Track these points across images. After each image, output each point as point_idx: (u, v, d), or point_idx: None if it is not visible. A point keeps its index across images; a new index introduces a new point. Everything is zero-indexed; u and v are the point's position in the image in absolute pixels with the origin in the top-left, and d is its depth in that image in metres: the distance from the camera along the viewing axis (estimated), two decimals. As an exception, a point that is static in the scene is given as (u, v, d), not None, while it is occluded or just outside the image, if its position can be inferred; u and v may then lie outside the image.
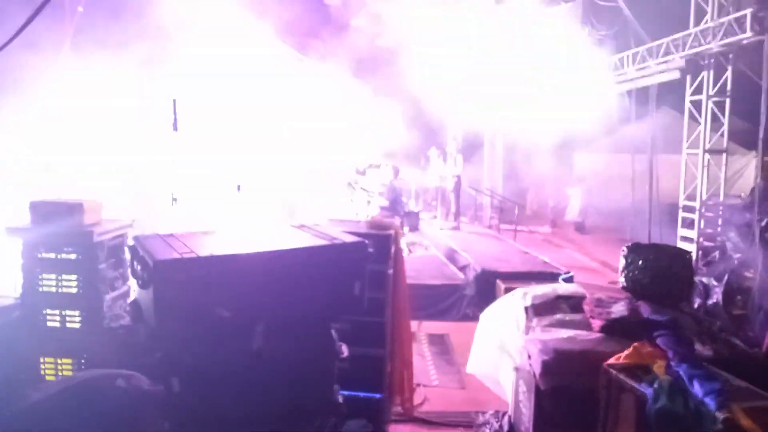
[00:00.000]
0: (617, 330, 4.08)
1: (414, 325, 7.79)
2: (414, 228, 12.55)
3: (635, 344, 3.77)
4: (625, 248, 4.62)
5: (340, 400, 2.73)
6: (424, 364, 6.75)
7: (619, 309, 4.22)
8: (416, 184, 15.11)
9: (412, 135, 15.60)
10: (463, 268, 9.45)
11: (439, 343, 7.49)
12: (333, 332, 2.73)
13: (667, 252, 4.73)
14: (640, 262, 4.50)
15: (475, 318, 8.14)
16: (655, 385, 3.38)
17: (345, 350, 2.83)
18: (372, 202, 11.06)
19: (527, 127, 14.87)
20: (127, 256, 2.80)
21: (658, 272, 4.44)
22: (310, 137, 13.10)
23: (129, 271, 2.53)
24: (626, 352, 3.74)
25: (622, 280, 4.60)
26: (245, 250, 2.41)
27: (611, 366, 3.71)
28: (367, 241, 2.72)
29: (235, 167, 10.15)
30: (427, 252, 11.47)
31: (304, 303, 2.51)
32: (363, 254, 2.67)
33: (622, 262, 4.59)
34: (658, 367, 3.62)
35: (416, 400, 5.74)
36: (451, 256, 10.41)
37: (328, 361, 2.69)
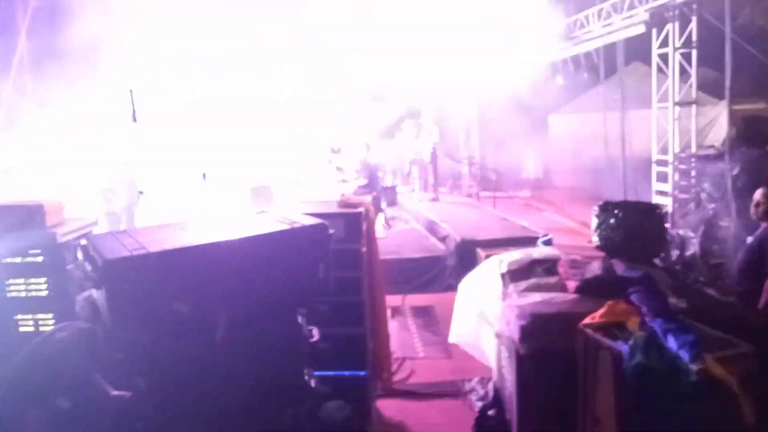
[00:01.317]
0: (592, 290, 4.08)
1: (399, 299, 7.84)
2: (392, 203, 12.51)
3: (609, 302, 3.77)
4: (596, 207, 4.61)
5: (313, 384, 2.71)
6: (409, 337, 6.79)
7: (593, 269, 4.23)
8: (392, 158, 15.05)
9: (384, 108, 15.48)
10: (443, 239, 9.46)
11: (424, 315, 7.53)
12: (300, 317, 2.70)
13: (637, 208, 4.73)
14: (612, 221, 4.49)
15: (457, 288, 8.22)
16: (631, 342, 3.39)
17: (315, 333, 2.80)
18: (348, 180, 10.97)
19: (500, 92, 14.83)
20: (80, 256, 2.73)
21: (630, 229, 4.44)
22: (281, 119, 12.95)
23: (81, 272, 2.46)
24: (601, 310, 3.74)
25: (595, 239, 4.60)
26: (200, 242, 2.35)
27: (587, 326, 3.72)
28: (327, 222, 2.67)
29: (201, 156, 10.03)
30: (407, 226, 11.47)
31: (267, 290, 2.46)
32: (324, 235, 2.62)
33: (594, 222, 4.58)
34: (633, 323, 3.63)
35: (402, 373, 5.78)
36: (432, 228, 10.42)
37: (296, 346, 2.66)
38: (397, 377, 5.57)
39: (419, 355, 6.31)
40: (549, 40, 11.12)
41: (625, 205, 4.69)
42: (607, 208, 4.55)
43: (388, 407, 5.14)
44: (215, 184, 10.69)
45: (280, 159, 12.95)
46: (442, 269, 8.65)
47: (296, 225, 2.57)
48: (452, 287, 8.51)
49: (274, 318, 2.50)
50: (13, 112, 10.54)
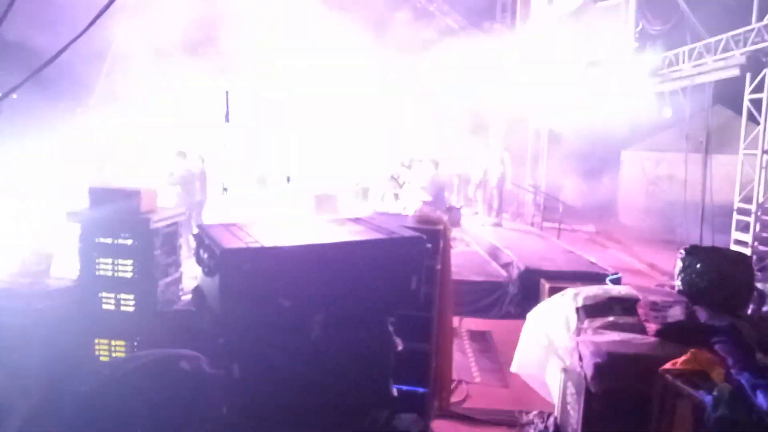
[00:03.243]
0: (673, 334, 3.96)
1: (455, 320, 7.77)
2: (455, 223, 12.44)
3: (693, 350, 3.65)
4: (682, 251, 4.47)
5: (395, 393, 2.73)
6: (465, 360, 6.70)
7: (675, 313, 4.09)
8: (458, 179, 14.99)
9: (456, 130, 15.50)
10: (505, 266, 9.33)
11: (481, 340, 7.43)
12: (389, 326, 2.73)
13: (726, 256, 4.55)
14: (698, 265, 4.35)
15: (517, 316, 8.07)
16: (715, 393, 3.27)
17: (400, 344, 2.82)
18: (415, 196, 11.02)
19: (573, 122, 14.61)
20: (191, 243, 2.85)
21: (717, 276, 4.28)
22: (356, 132, 13.18)
23: (194, 258, 2.58)
24: (683, 357, 3.62)
25: (678, 283, 4.45)
26: (308, 241, 2.42)
27: (667, 371, 3.60)
28: (425, 236, 2.70)
29: (282, 159, 10.31)
30: (469, 248, 11.38)
31: (362, 296, 2.51)
32: (421, 249, 2.66)
33: (679, 265, 4.44)
34: (717, 374, 3.50)
35: (458, 396, 5.72)
36: (494, 253, 10.29)
37: (384, 354, 2.69)
38: (453, 399, 5.51)
39: (475, 379, 6.22)
40: (635, 77, 10.91)
41: (713, 251, 4.53)
42: (694, 252, 4.41)
43: (442, 428, 5.09)
44: (282, 189, 10.99)
45: (349, 170, 13.18)
46: (503, 295, 8.53)
47: (395, 235, 2.62)
48: (511, 315, 8.41)
49: (366, 323, 2.55)
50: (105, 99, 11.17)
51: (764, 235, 8.84)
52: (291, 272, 2.33)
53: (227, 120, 6.19)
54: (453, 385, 5.78)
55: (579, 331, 4.22)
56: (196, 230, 2.53)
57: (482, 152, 14.28)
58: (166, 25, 10.25)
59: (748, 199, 9.00)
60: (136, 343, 4.66)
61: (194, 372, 2.62)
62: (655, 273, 10.63)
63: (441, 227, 4.44)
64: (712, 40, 9.28)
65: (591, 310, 4.33)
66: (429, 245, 2.70)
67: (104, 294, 4.73)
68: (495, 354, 6.92)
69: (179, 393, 2.59)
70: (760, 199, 8.78)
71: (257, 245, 2.27)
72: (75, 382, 2.68)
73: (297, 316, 2.33)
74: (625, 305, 4.38)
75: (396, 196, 11.81)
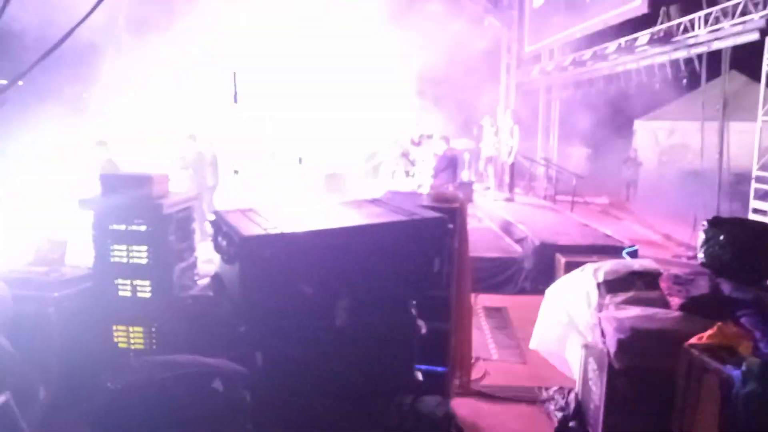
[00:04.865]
0: (697, 308, 3.89)
1: (471, 297, 7.74)
2: (468, 199, 12.35)
3: (719, 324, 3.58)
4: (705, 222, 4.37)
5: (420, 377, 2.69)
6: (482, 337, 6.68)
7: (699, 286, 4.01)
8: (469, 154, 14.86)
9: (465, 104, 15.33)
10: (519, 241, 9.26)
11: (497, 316, 7.40)
12: (413, 309, 2.68)
13: (750, 227, 4.46)
14: (722, 237, 4.25)
15: (533, 292, 8.02)
16: (744, 368, 3.20)
17: (423, 327, 2.78)
18: (426, 173, 10.93)
19: (584, 93, 14.36)
20: (207, 228, 2.80)
21: (741, 248, 4.19)
22: (364, 113, 13.05)
23: (212, 245, 2.53)
24: (709, 331, 3.56)
25: (701, 255, 4.37)
26: (327, 226, 2.36)
27: (693, 346, 3.54)
28: (446, 217, 2.63)
29: (292, 142, 10.21)
30: (481, 224, 11.30)
31: (385, 279, 2.46)
32: (443, 230, 2.59)
33: (701, 237, 4.35)
34: (745, 348, 3.44)
35: (476, 374, 5.70)
36: (507, 229, 10.22)
37: (408, 337, 2.65)
38: (472, 377, 5.49)
39: (493, 357, 6.20)
40: (645, 43, 10.66)
41: (737, 222, 4.43)
42: (717, 223, 4.31)
43: (462, 406, 5.07)
44: (293, 169, 10.91)
45: (359, 149, 13.07)
46: (518, 271, 8.47)
47: (416, 217, 2.56)
48: (526, 290, 8.36)
49: (390, 307, 2.50)
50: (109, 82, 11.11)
51: (783, 202, 8.68)
52: (312, 258, 2.27)
53: (235, 101, 6.10)
54: (472, 363, 5.77)
55: (600, 307, 4.16)
56: (209, 215, 2.47)
57: (492, 126, 14.13)
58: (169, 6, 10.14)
59: (766, 167, 8.82)
60: (153, 329, 4.66)
61: (227, 394, 2.57)
62: (671, 244, 10.52)
63: (457, 205, 4.36)
64: (729, 3, 9.01)
65: (612, 285, 4.27)
66: (451, 226, 2.64)
67: (120, 281, 4.71)
68: (512, 330, 6.89)
69: (208, 413, 2.55)
70: (780, 167, 8.61)
71: (277, 231, 2.21)
72: (105, 376, 2.65)
73: (319, 302, 2.28)
74: (647, 279, 4.30)
75: (407, 173, 11.72)
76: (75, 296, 4.68)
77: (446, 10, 14.75)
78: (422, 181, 10.84)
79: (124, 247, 4.66)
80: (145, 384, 2.57)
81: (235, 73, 6.10)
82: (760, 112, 8.93)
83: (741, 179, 10.22)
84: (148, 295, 4.67)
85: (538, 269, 8.23)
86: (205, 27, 10.96)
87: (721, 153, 9.61)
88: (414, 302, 2.72)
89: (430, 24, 13.94)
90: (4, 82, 3.83)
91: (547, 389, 5.18)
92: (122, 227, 4.64)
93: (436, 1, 14.85)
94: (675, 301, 3.97)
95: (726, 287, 4.05)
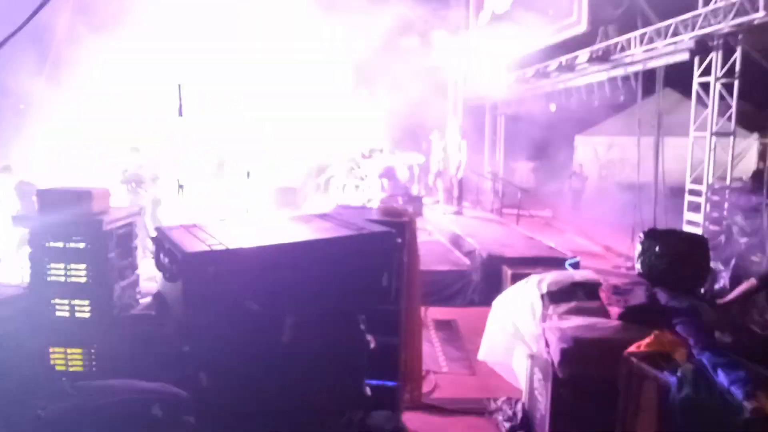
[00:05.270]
0: (636, 317, 4.03)
1: (421, 311, 7.78)
2: (417, 213, 12.48)
3: (656, 332, 3.73)
4: (641, 234, 4.56)
5: (368, 392, 2.69)
6: (432, 350, 6.72)
7: (636, 296, 4.17)
8: (418, 168, 15.01)
9: (413, 118, 15.49)
10: (468, 254, 9.40)
11: (447, 329, 7.47)
12: (361, 324, 2.68)
13: (684, 238, 4.69)
14: (657, 248, 4.44)
15: (481, 303, 8.15)
16: (679, 374, 3.34)
17: (372, 342, 2.78)
18: (373, 186, 10.98)
19: (529, 108, 14.80)
20: (148, 244, 2.72)
21: (676, 258, 4.39)
22: (308, 125, 13.03)
23: (154, 263, 2.46)
24: (647, 339, 3.70)
25: (638, 266, 4.55)
26: (274, 241, 2.34)
27: (632, 354, 3.67)
28: (394, 231, 2.65)
29: (237, 154, 10.07)
30: (431, 237, 11.42)
31: (333, 294, 2.45)
32: (392, 244, 2.61)
33: (638, 248, 4.53)
34: (680, 355, 3.58)
35: (427, 387, 5.73)
36: (456, 242, 10.36)
37: (357, 352, 2.64)
38: (422, 390, 5.51)
39: (443, 369, 6.25)
40: (585, 61, 11.10)
41: (671, 234, 4.65)
42: (652, 235, 4.51)
43: (412, 420, 5.07)
44: (242, 184, 10.73)
45: (307, 163, 13.00)
46: (467, 284, 8.59)
47: (364, 231, 2.56)
48: (475, 302, 8.48)
49: (338, 323, 2.49)
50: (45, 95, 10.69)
51: (714, 215, 9.15)
52: (258, 274, 2.24)
53: (180, 114, 6.00)
54: (422, 376, 5.80)
55: (544, 318, 4.26)
56: (152, 231, 2.40)
57: (440, 140, 14.35)
58: (111, 12, 9.88)
59: (698, 180, 9.30)
60: (93, 351, 4.47)
61: (166, 420, 2.49)
62: (611, 255, 10.90)
63: (407, 219, 4.40)
64: (662, 24, 9.50)
65: (555, 296, 4.38)
66: (399, 240, 2.66)
67: (57, 300, 4.51)
68: (461, 342, 6.97)
69: None
70: (710, 180, 9.08)
71: (221, 247, 2.17)
72: (36, 400, 2.52)
73: (266, 319, 2.25)
74: (588, 290, 4.45)
75: (356, 187, 11.74)
76: (10, 317, 4.44)
77: (397, 24, 14.92)
78: (372, 195, 10.87)
79: (61, 265, 4.47)
80: (78, 411, 2.46)
81: (180, 86, 6.00)
82: (692, 127, 9.43)
83: (675, 192, 10.71)
84: (87, 314, 4.48)
85: (486, 281, 8.37)
86: (147, 33, 10.73)
87: (656, 167, 10.06)
88: (363, 317, 2.72)
89: (380, 37, 14.06)
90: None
91: (495, 400, 5.25)
92: (60, 244, 4.45)
93: (386, 14, 14.99)
94: (614, 310, 4.11)
95: (662, 296, 4.22)
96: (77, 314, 4.49)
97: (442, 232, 11.43)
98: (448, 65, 17.10)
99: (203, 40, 10.92)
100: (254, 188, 10.79)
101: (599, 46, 11.21)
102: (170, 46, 10.36)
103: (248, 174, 7.66)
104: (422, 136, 16.01)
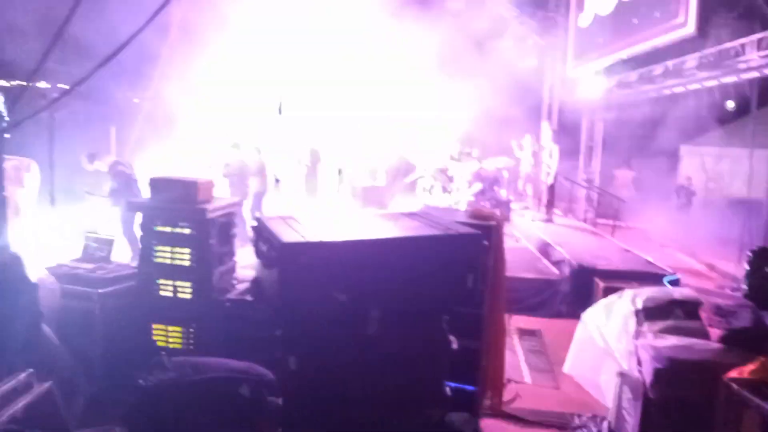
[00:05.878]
0: (739, 341, 3.77)
1: (505, 318, 7.65)
2: (505, 218, 12.25)
3: (762, 358, 3.46)
4: (750, 253, 4.26)
5: (449, 392, 2.70)
6: (515, 359, 6.58)
7: (741, 318, 3.90)
8: (508, 173, 14.74)
9: (504, 122, 15.24)
10: (557, 263, 9.12)
11: (531, 338, 7.29)
12: (445, 324, 2.70)
13: (799, 259, 4.31)
14: (767, 269, 4.13)
15: (569, 315, 7.88)
16: (787, 406, 3.10)
17: (455, 342, 2.79)
18: (462, 189, 10.91)
19: (631, 114, 14.12)
20: (249, 233, 2.89)
21: (789, 281, 4.07)
22: (397, 125, 13.17)
23: (253, 250, 2.61)
24: (751, 365, 3.44)
25: (745, 286, 4.25)
26: (365, 236, 2.41)
27: (733, 380, 3.43)
28: (482, 233, 2.65)
29: (331, 152, 10.36)
30: (518, 244, 11.17)
31: (418, 292, 2.49)
32: (478, 246, 2.61)
33: (746, 268, 4.24)
34: (789, 385, 3.31)
35: (507, 396, 5.63)
36: (544, 250, 10.07)
37: (439, 352, 2.66)
38: (503, 398, 5.42)
39: (525, 379, 6.11)
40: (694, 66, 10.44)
41: (785, 254, 4.29)
42: (763, 253, 4.19)
43: (491, 427, 5.02)
44: (333, 181, 11.05)
45: (395, 163, 13.16)
46: (554, 294, 8.33)
47: (452, 232, 2.58)
48: (562, 314, 8.21)
49: (422, 321, 2.52)
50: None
51: (836, 236, 8.35)
52: (347, 267, 2.32)
53: (280, 113, 6.25)
54: (503, 384, 5.70)
55: (638, 335, 4.08)
56: (252, 221, 2.55)
57: (532, 145, 14.01)
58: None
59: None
60: (191, 330, 4.78)
61: (253, 399, 2.64)
62: (715, 274, 10.19)
63: (494, 223, 4.36)
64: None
65: (651, 313, 4.18)
66: (486, 243, 2.65)
67: (162, 281, 4.86)
68: (545, 354, 6.78)
69: (235, 417, 2.62)
70: (833, 199, 8.29)
71: (315, 239, 2.27)
72: (139, 373, 2.75)
73: (353, 310, 2.33)
74: (688, 309, 4.20)
75: (444, 189, 11.72)
76: (119, 293, 4.85)
77: (491, 29, 14.76)
78: (459, 198, 10.80)
79: (168, 248, 4.81)
80: (174, 384, 2.65)
81: (281, 89, 6.27)
82: (815, 141, 8.64)
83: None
84: (188, 296, 4.80)
85: (575, 293, 8.08)
86: (248, 40, 11.28)
87: (770, 182, 9.31)
88: (446, 317, 2.73)
89: (476, 43, 13.98)
90: (66, 86, 4.03)
91: (579, 416, 5.08)
92: (167, 229, 4.79)
93: (482, 19, 14.87)
94: (715, 332, 3.87)
95: (770, 321, 3.92)
96: (179, 295, 4.82)
97: (530, 239, 11.15)
98: (544, 68, 16.67)
99: (302, 42, 11.34)
100: (345, 185, 11.07)
101: (710, 50, 10.50)
102: (272, 51, 10.85)
103: (339, 171, 7.85)
104: (513, 140, 15.69)
